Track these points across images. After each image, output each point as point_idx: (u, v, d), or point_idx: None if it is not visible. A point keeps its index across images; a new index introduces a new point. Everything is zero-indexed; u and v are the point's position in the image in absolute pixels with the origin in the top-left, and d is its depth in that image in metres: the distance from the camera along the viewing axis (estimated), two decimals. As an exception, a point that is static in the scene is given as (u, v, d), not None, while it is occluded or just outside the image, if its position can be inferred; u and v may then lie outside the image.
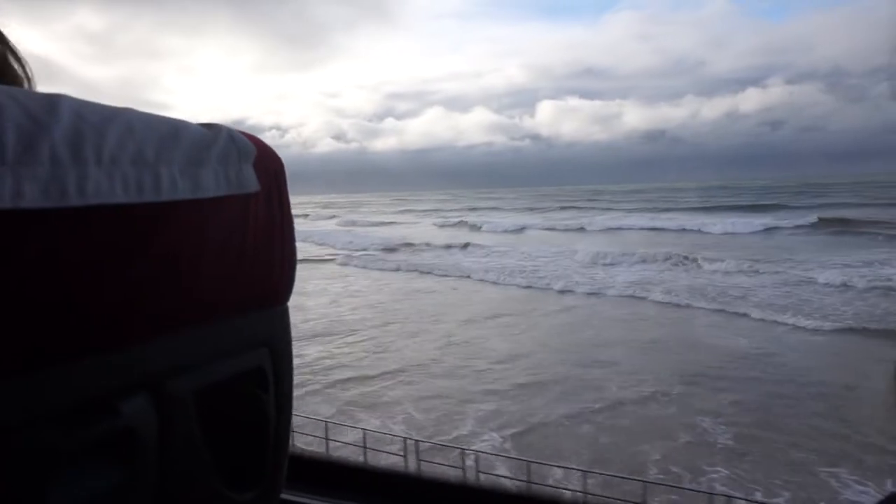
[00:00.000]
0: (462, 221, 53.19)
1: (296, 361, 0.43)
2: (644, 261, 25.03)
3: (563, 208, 69.31)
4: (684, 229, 39.32)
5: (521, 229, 46.42)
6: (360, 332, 16.30)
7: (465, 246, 33.72)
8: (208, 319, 0.35)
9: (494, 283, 23.22)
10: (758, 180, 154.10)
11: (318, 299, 20.57)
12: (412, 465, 8.19)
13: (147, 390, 0.31)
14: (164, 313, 0.32)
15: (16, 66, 0.44)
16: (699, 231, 37.95)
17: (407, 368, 13.03)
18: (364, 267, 29.04)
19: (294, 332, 0.43)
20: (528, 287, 22.07)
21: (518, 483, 7.59)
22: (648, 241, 33.74)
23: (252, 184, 0.36)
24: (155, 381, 0.32)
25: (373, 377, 12.54)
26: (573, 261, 26.26)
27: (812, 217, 36.49)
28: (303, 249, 39.06)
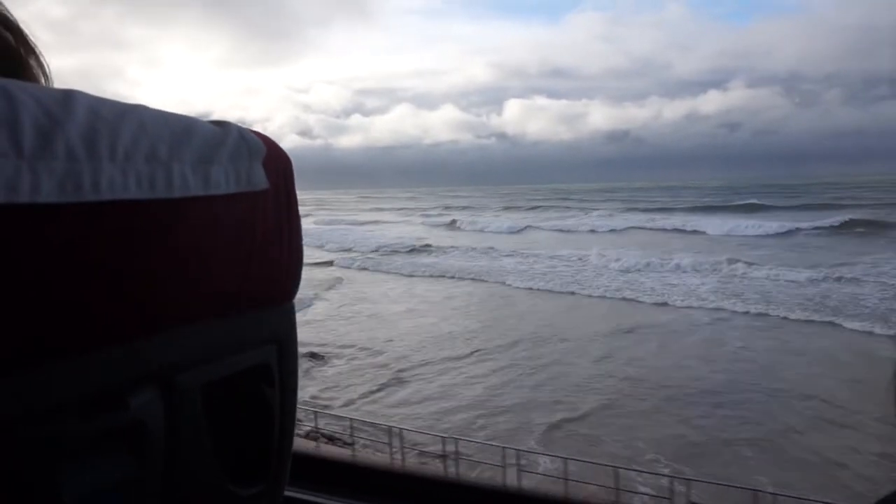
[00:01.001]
0: (454, 221, 52.12)
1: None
2: (680, 267, 24.20)
3: (539, 207, 69.25)
4: (687, 230, 39.16)
5: (522, 230, 45.80)
6: (487, 354, 13.96)
7: (490, 249, 32.62)
8: (217, 315, 0.35)
9: (560, 292, 21.67)
10: (714, 180, 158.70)
11: (396, 305, 19.06)
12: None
13: (156, 384, 0.32)
14: (174, 308, 0.32)
15: (32, 62, 0.44)
16: (702, 232, 37.79)
17: (611, 399, 10.91)
18: (396, 272, 27.54)
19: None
20: (603, 297, 20.46)
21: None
22: (664, 242, 33.50)
23: (261, 181, 0.37)
24: (164, 375, 0.32)
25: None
26: (611, 268, 25.27)
27: (834, 219, 36.29)
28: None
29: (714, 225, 39.57)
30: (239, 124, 0.37)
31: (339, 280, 25.28)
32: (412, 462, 7.95)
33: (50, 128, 0.26)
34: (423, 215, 66.11)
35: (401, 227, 54.32)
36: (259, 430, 0.39)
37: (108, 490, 0.29)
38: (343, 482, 1.36)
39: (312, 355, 13.74)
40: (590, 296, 20.71)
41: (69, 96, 0.28)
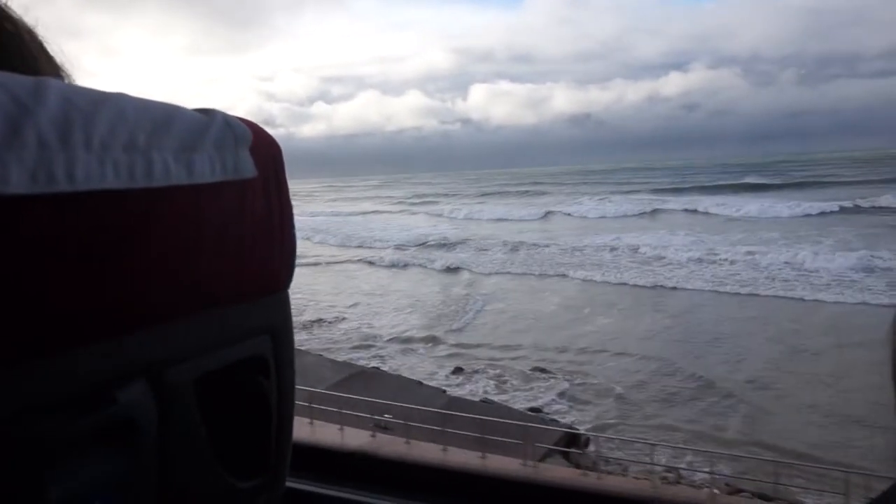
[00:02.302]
0: (469, 216, 50.41)
1: None
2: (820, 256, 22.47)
3: (526, 192, 69.22)
4: (713, 212, 39.18)
5: (543, 217, 45.37)
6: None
7: (549, 241, 32.15)
8: (207, 307, 0.35)
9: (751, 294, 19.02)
10: (671, 161, 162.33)
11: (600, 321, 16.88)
12: None
13: (145, 379, 0.31)
14: (161, 301, 0.31)
15: (45, 60, 0.42)
16: (730, 216, 37.83)
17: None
18: (481, 270, 26.59)
19: None
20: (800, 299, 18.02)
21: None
22: (719, 227, 33.29)
23: (249, 169, 0.36)
24: (153, 370, 0.32)
25: None
26: (742, 260, 23.35)
27: (847, 201, 36.70)
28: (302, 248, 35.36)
29: (738, 206, 39.98)
30: (224, 111, 0.36)
31: (470, 283, 23.78)
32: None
33: (19, 116, 0.25)
34: (408, 204, 65.15)
35: (399, 217, 53.19)
36: (256, 421, 0.39)
37: (100, 488, 0.29)
38: (352, 472, 1.35)
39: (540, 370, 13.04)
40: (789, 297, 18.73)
41: (41, 84, 0.27)
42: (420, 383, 12.62)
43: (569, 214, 44.95)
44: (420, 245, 34.14)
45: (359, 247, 35.88)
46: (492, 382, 13.26)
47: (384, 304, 21.18)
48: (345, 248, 36.74)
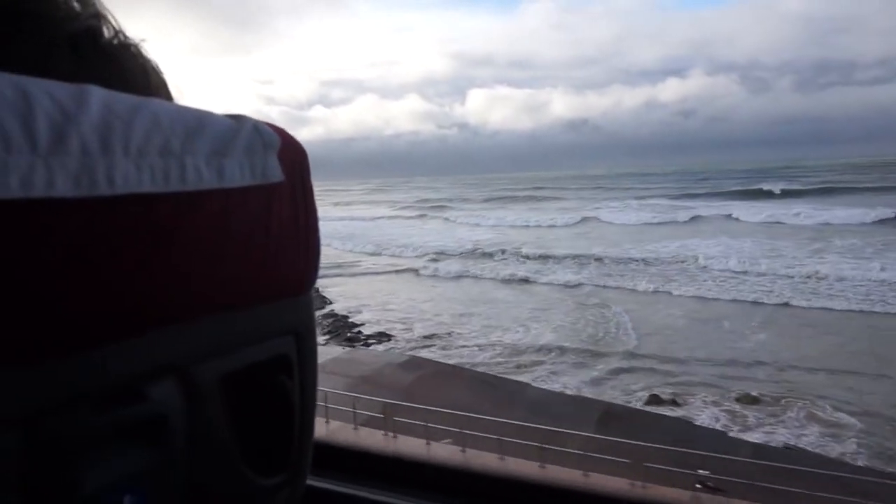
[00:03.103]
0: (499, 222, 48.73)
1: None
2: None
3: (535, 198, 68.20)
4: (771, 221, 37.82)
5: (578, 223, 44.10)
6: None
7: (625, 257, 30.76)
8: (234, 307, 0.36)
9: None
10: (668, 166, 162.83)
11: None
12: None
13: (174, 375, 0.32)
14: (190, 300, 0.33)
15: (151, 76, 0.43)
16: (786, 223, 36.71)
17: None
18: (566, 285, 25.30)
19: None
20: None
21: None
22: (791, 235, 32.61)
23: (276, 174, 0.37)
24: (181, 368, 0.33)
25: None
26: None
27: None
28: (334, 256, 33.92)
29: (793, 214, 39.12)
30: (254, 117, 0.37)
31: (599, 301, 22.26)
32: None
33: (64, 123, 0.26)
34: (419, 209, 63.79)
35: (419, 224, 51.68)
36: (279, 420, 0.40)
37: (130, 482, 0.30)
38: (373, 471, 1.36)
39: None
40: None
41: (83, 91, 0.28)
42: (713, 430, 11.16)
43: (606, 221, 43.67)
44: (466, 253, 32.63)
45: (397, 255, 34.27)
46: (719, 412, 11.94)
47: (496, 317, 19.84)
48: (378, 255, 35.22)
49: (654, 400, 12.64)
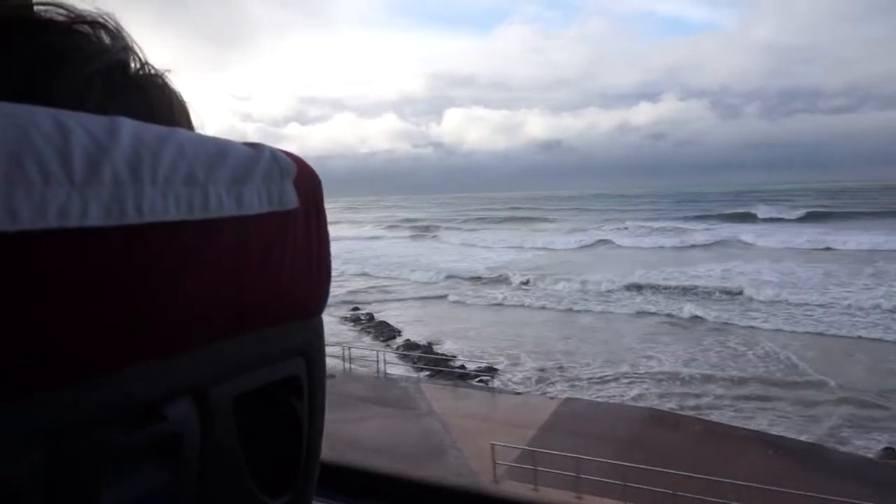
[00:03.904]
0: (505, 244, 47.57)
1: None
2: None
3: (518, 218, 67.69)
4: (816, 247, 36.70)
5: (591, 245, 43.34)
6: None
7: (665, 288, 29.92)
8: (249, 329, 0.37)
9: None
10: (637, 188, 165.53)
11: None
12: None
13: (191, 396, 0.33)
14: (209, 323, 0.33)
15: (175, 106, 0.45)
16: (834, 248, 35.82)
17: None
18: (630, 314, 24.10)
19: None
20: None
21: None
22: (831, 260, 32.46)
23: (292, 201, 0.38)
24: (199, 388, 0.34)
25: None
26: None
27: None
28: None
29: (805, 240, 38.99)
30: (272, 146, 0.38)
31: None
32: None
33: (98, 154, 0.27)
34: (408, 229, 62.37)
35: (414, 245, 50.17)
36: (287, 440, 0.41)
37: (147, 500, 0.31)
38: (372, 492, 1.34)
39: None
40: None
41: (115, 123, 0.29)
42: None
43: (622, 245, 42.96)
44: (499, 278, 31.12)
45: (429, 282, 32.60)
46: None
47: (601, 347, 18.37)
48: (395, 279, 33.57)
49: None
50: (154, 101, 0.42)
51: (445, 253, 43.00)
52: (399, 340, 20.93)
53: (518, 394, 14.98)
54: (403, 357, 18.59)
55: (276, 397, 0.40)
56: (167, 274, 0.30)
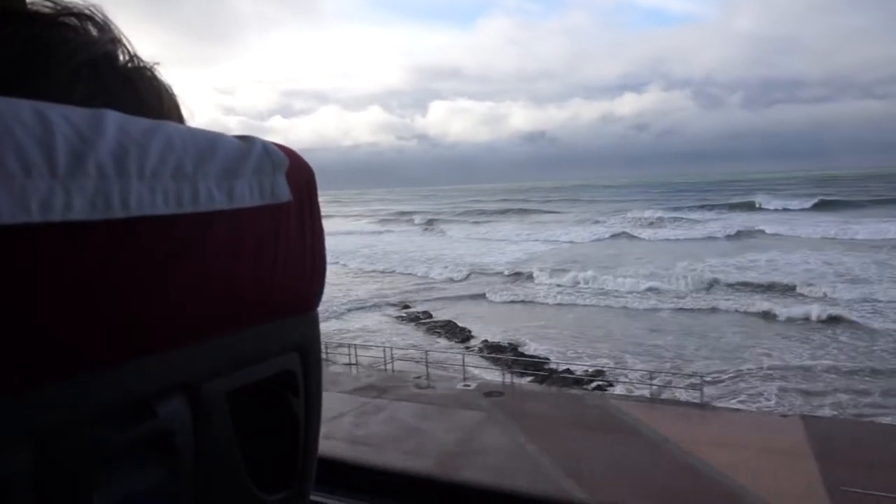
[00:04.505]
0: (515, 238, 46.45)
1: None
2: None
3: (512, 210, 66.97)
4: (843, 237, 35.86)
5: (604, 238, 42.65)
6: None
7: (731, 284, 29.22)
8: (243, 324, 0.36)
9: None
10: (622, 178, 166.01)
11: None
12: None
13: (184, 392, 0.33)
14: (201, 319, 0.33)
15: (164, 99, 0.45)
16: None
17: None
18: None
19: None
20: None
21: None
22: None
23: (284, 194, 0.38)
24: (191, 384, 0.33)
25: None
26: None
27: None
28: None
29: (821, 228, 38.81)
30: (263, 138, 0.38)
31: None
32: None
33: (82, 147, 0.27)
34: (406, 223, 61.24)
35: (424, 239, 49.06)
36: (284, 436, 0.41)
37: (140, 497, 0.31)
38: (370, 486, 1.34)
39: None
40: None
41: (100, 115, 0.29)
42: None
43: (640, 237, 42.37)
44: (528, 274, 30.19)
45: (465, 279, 31.57)
46: None
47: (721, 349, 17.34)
48: (423, 276, 32.51)
49: None
50: (142, 93, 0.41)
51: (462, 247, 41.99)
52: (475, 343, 19.87)
53: (737, 410, 13.39)
54: (495, 360, 17.49)
55: (273, 393, 0.40)
56: (157, 268, 0.30)
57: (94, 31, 0.40)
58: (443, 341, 20.30)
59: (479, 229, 52.01)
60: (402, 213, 71.43)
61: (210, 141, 0.34)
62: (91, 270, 0.27)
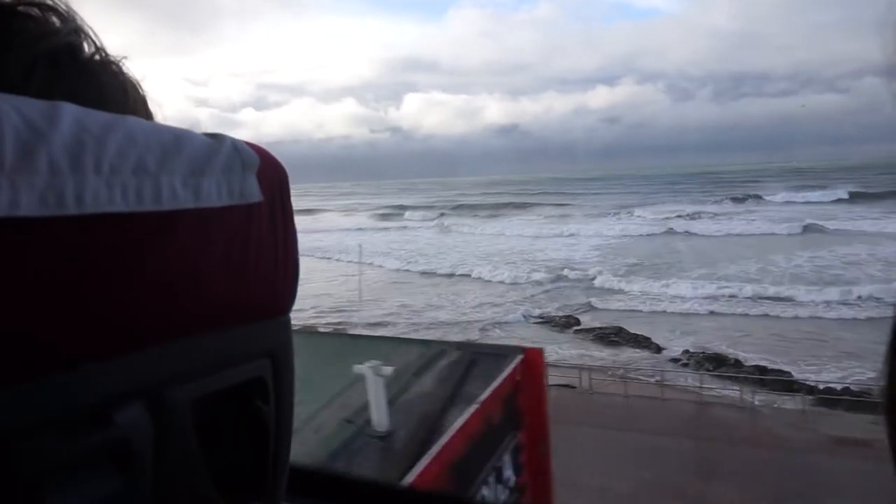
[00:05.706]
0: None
1: None
2: None
3: (507, 204, 65.06)
4: None
5: (642, 236, 40.79)
6: None
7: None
8: (209, 329, 0.35)
9: None
10: (596, 170, 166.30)
11: None
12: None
13: (144, 399, 0.32)
14: (164, 322, 0.32)
15: (130, 94, 0.43)
16: None
17: None
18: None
19: None
20: None
21: None
22: None
23: (255, 194, 0.37)
24: (152, 391, 0.32)
25: None
26: None
27: None
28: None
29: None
30: (233, 136, 0.37)
31: None
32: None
33: (33, 141, 0.26)
34: (403, 219, 58.22)
35: (437, 235, 46.17)
36: (253, 445, 0.39)
37: None
38: (345, 497, 1.31)
39: None
40: None
41: (55, 108, 0.28)
42: None
43: (696, 233, 40.45)
44: (634, 272, 27.85)
45: (532, 280, 28.90)
46: None
47: None
48: (430, 275, 29.76)
49: None
50: (106, 88, 0.40)
51: (501, 243, 39.37)
52: (666, 354, 17.33)
53: None
54: (730, 378, 14.90)
55: (243, 400, 0.38)
56: (116, 268, 0.29)
57: (56, 22, 0.38)
58: (629, 352, 17.66)
59: (494, 224, 49.50)
60: (398, 207, 68.36)
61: (176, 137, 0.33)
62: (41, 269, 0.26)
